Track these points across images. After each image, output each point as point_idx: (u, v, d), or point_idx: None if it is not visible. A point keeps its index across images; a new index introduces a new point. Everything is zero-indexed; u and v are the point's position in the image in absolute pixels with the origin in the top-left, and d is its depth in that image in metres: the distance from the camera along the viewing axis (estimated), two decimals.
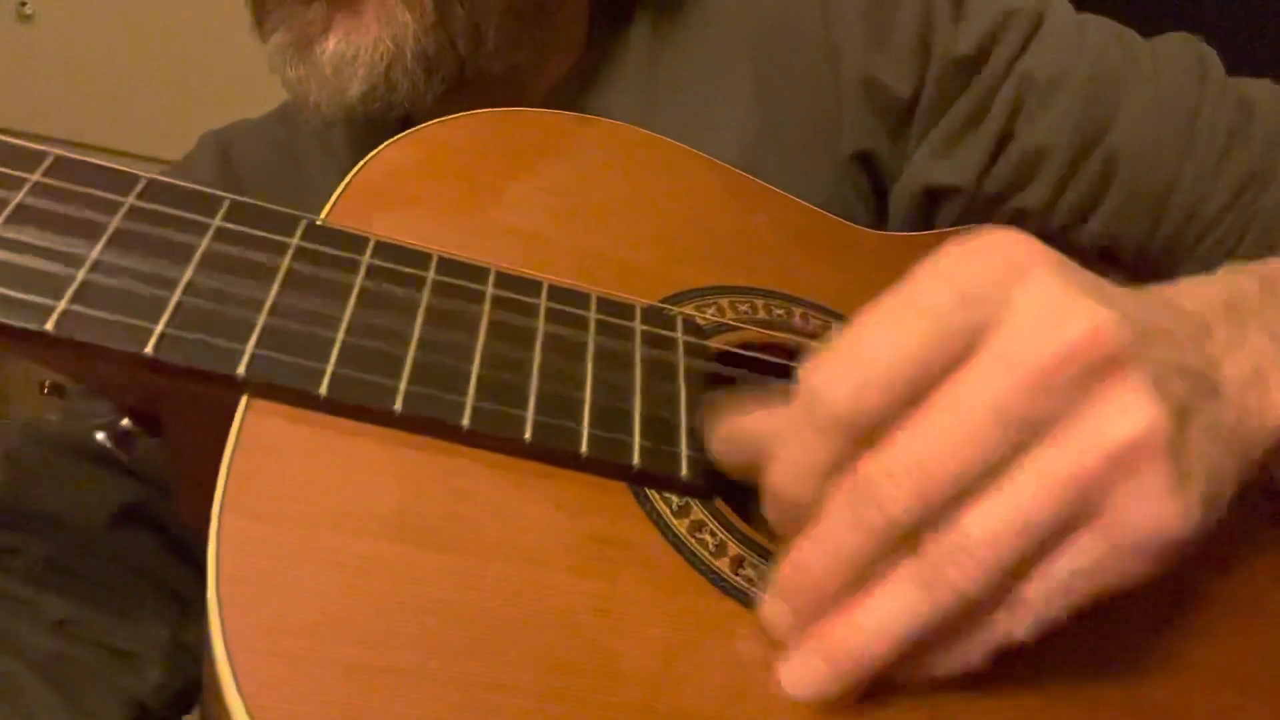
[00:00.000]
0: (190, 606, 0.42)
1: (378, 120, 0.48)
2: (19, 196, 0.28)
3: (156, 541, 0.42)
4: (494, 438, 0.29)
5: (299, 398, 0.28)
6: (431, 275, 0.32)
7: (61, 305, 0.26)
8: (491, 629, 0.25)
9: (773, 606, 0.26)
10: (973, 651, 0.25)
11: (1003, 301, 0.24)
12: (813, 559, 0.25)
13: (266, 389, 0.27)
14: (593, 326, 0.33)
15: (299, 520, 0.25)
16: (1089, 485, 0.23)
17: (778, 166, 0.45)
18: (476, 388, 0.29)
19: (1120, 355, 0.23)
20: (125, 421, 0.29)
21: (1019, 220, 0.46)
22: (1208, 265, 0.32)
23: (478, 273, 0.33)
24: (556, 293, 0.33)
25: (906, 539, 0.24)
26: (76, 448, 0.42)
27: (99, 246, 0.28)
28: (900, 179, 0.47)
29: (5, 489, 0.43)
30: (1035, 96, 0.44)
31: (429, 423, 0.28)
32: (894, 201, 0.47)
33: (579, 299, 0.34)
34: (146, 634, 0.40)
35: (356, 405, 0.28)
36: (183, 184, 0.31)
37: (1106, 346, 0.23)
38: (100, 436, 0.29)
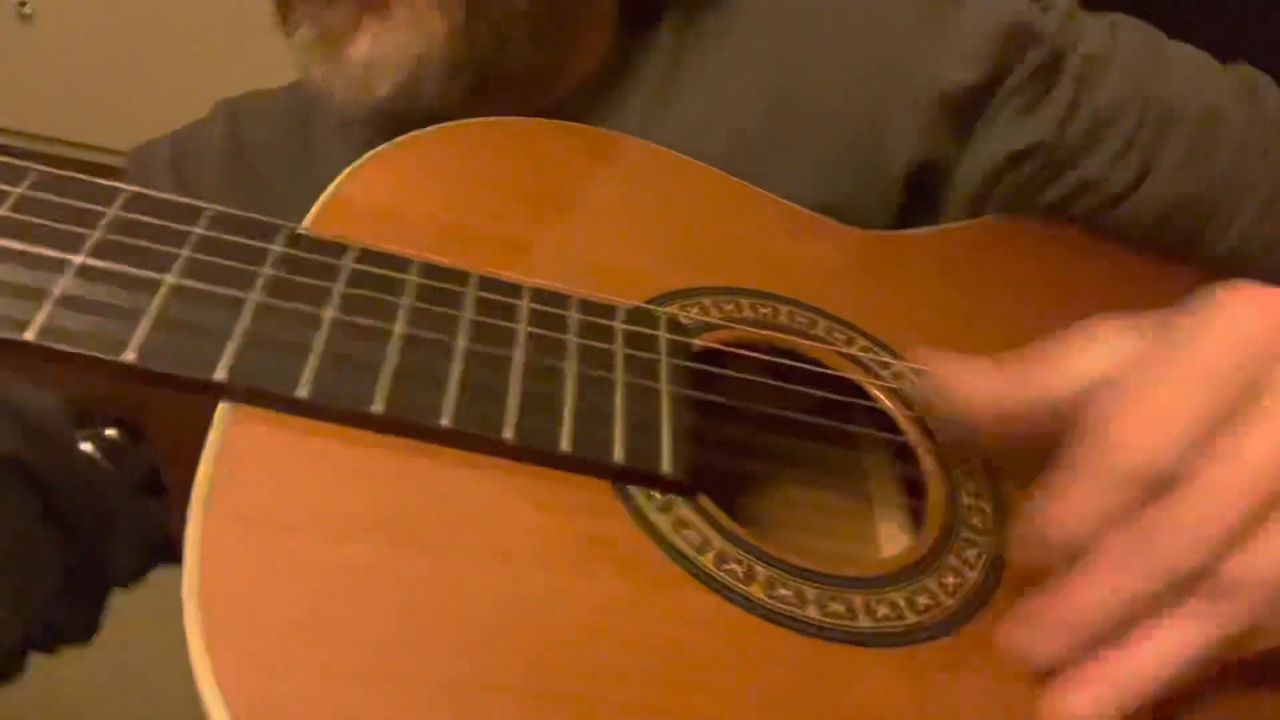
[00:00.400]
0: (45, 569, 0.41)
1: None
2: (2, 210, 0.29)
3: (28, 499, 0.41)
4: (475, 437, 0.29)
5: (279, 401, 0.28)
6: (413, 279, 0.32)
7: (41, 315, 0.27)
8: (477, 630, 0.25)
9: (1028, 637, 0.29)
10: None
11: (1274, 361, 0.26)
12: (1092, 599, 0.27)
13: (246, 393, 0.28)
14: (574, 326, 0.33)
15: (279, 525, 0.26)
16: None
17: (783, 179, 0.45)
18: (457, 388, 0.29)
19: None
20: (111, 431, 0.30)
21: (1082, 193, 0.47)
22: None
23: (459, 277, 0.33)
24: (539, 295, 0.34)
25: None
26: None
27: (80, 257, 0.28)
28: (964, 164, 0.47)
29: None
30: (1095, 70, 0.47)
31: (409, 424, 0.28)
32: (956, 190, 0.48)
33: (561, 300, 0.34)
34: None
35: (336, 408, 0.28)
36: (163, 195, 0.31)
37: None
38: (87, 447, 0.29)
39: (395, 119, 0.43)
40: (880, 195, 0.47)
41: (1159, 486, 0.26)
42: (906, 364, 0.39)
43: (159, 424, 0.30)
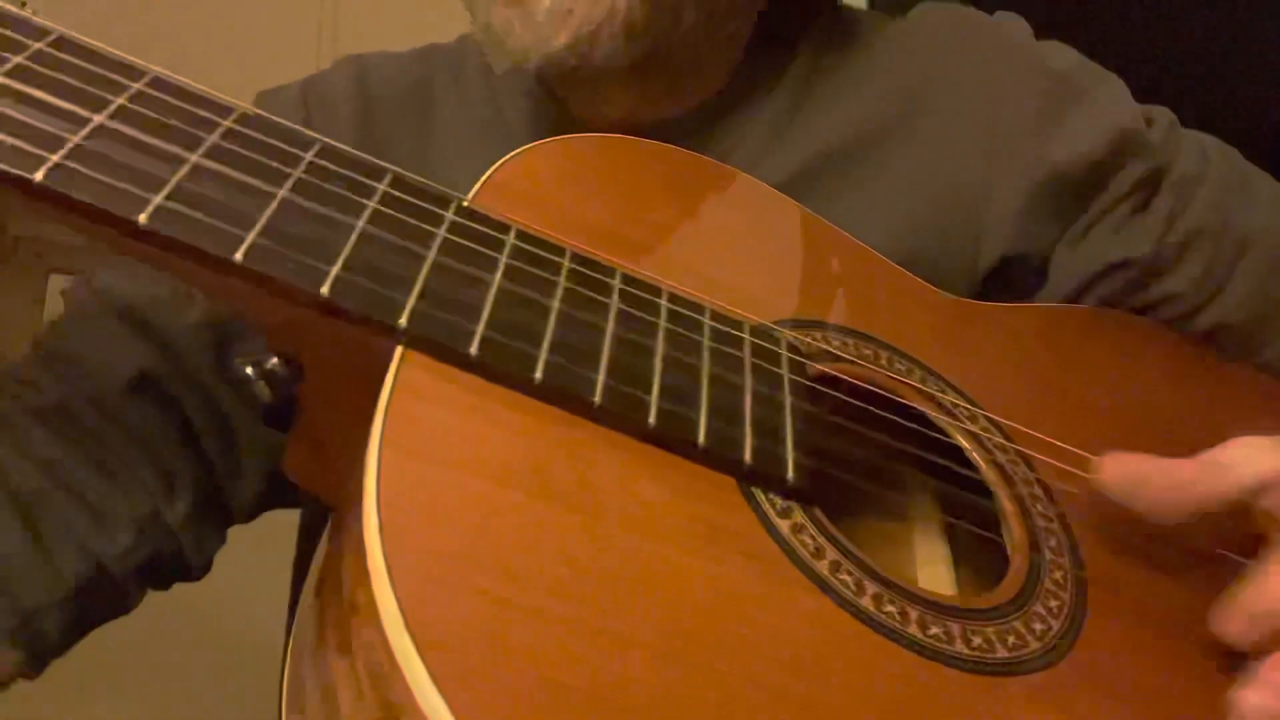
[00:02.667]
0: (176, 489, 0.42)
1: (523, 80, 0.49)
2: (214, 137, 0.30)
3: (164, 417, 0.43)
4: (621, 416, 0.30)
5: (450, 355, 0.29)
6: (566, 264, 0.34)
7: (250, 238, 0.28)
8: (616, 587, 0.27)
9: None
10: None
11: None
12: None
13: (422, 342, 0.29)
14: (707, 331, 0.35)
15: (448, 462, 0.27)
16: None
17: (875, 227, 0.47)
18: (608, 368, 0.31)
19: None
20: (275, 361, 0.31)
21: (1162, 305, 0.50)
22: None
23: (606, 270, 0.35)
24: (676, 298, 0.35)
25: None
26: (127, 311, 0.43)
27: (283, 190, 0.30)
28: (1064, 263, 0.50)
29: (54, 329, 0.43)
30: (1188, 189, 0.49)
31: (564, 394, 0.30)
32: (1052, 284, 0.50)
33: (695, 306, 0.36)
34: (127, 499, 0.40)
35: (501, 369, 0.30)
36: (352, 151, 0.33)
37: None
38: (249, 370, 0.31)
39: (556, 78, 0.45)
40: (967, 266, 0.49)
41: None
42: (988, 415, 0.41)
43: (322, 359, 0.31)
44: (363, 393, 0.29)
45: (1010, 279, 0.50)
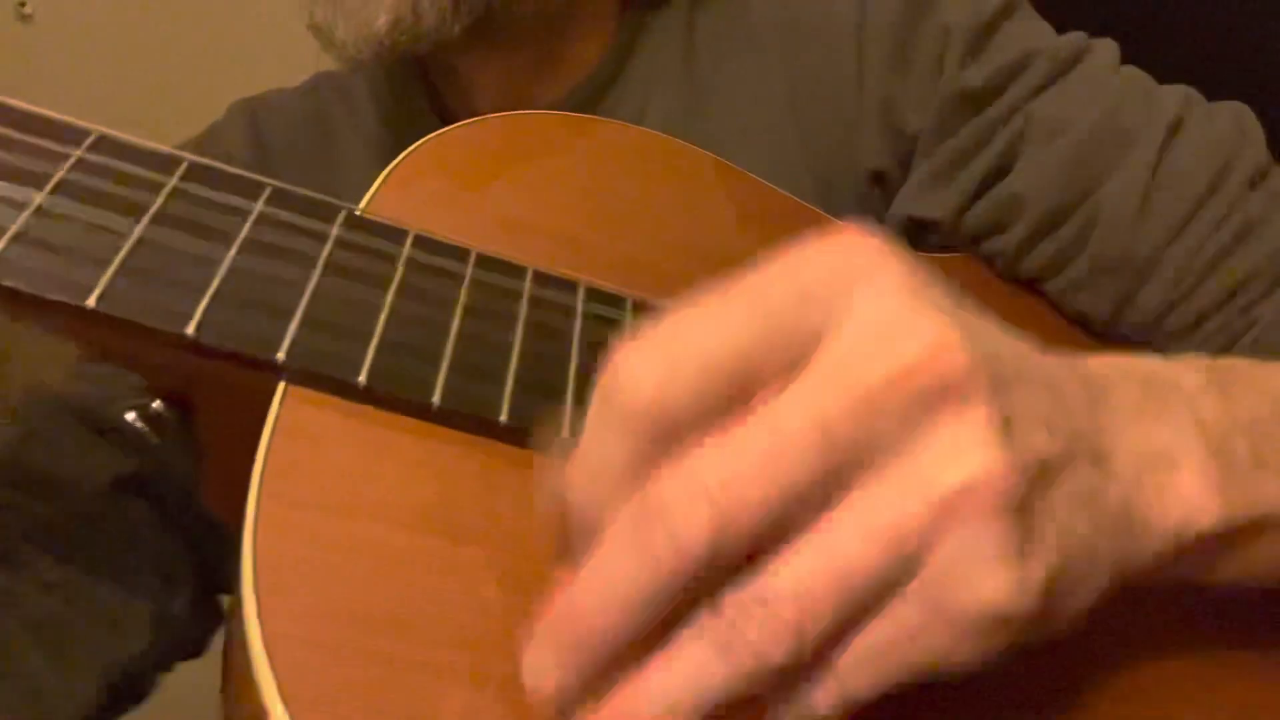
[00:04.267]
0: (175, 580, 0.42)
1: (408, 92, 0.48)
2: (62, 171, 0.28)
3: (150, 513, 0.42)
4: (531, 434, 0.28)
5: (337, 386, 0.27)
6: (469, 271, 0.32)
7: (104, 282, 0.26)
8: (525, 627, 0.25)
9: (537, 660, 0.20)
10: None
11: (842, 306, 0.20)
12: (588, 598, 0.19)
13: (305, 376, 0.27)
14: (628, 329, 0.33)
15: (337, 509, 0.25)
16: (913, 536, 0.19)
17: (807, 178, 0.45)
18: (514, 384, 0.29)
19: (962, 385, 0.19)
20: (157, 404, 0.29)
21: (990, 262, 0.45)
22: None
23: (515, 271, 0.33)
24: (593, 294, 0.33)
25: (704, 583, 0.19)
26: (81, 413, 0.42)
27: (142, 225, 0.28)
28: (889, 211, 0.46)
29: (9, 448, 0.42)
30: (1032, 144, 0.42)
31: (466, 417, 0.28)
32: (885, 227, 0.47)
33: (614, 301, 0.34)
34: (134, 603, 0.41)
35: (395, 397, 0.28)
36: (225, 167, 0.31)
37: (944, 371, 0.19)
38: (130, 416, 0.29)
39: (400, 95, 0.43)
40: (861, 196, 0.46)
41: (673, 434, 0.19)
42: None
43: (209, 398, 0.29)
44: (256, 430, 0.27)
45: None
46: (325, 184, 0.48)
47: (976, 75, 0.43)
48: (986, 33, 0.44)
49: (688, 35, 0.48)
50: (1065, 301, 0.44)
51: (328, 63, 0.54)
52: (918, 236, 0.46)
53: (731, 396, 0.19)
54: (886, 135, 0.45)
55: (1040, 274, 0.44)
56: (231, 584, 0.44)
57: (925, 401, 0.19)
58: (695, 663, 0.19)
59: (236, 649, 0.23)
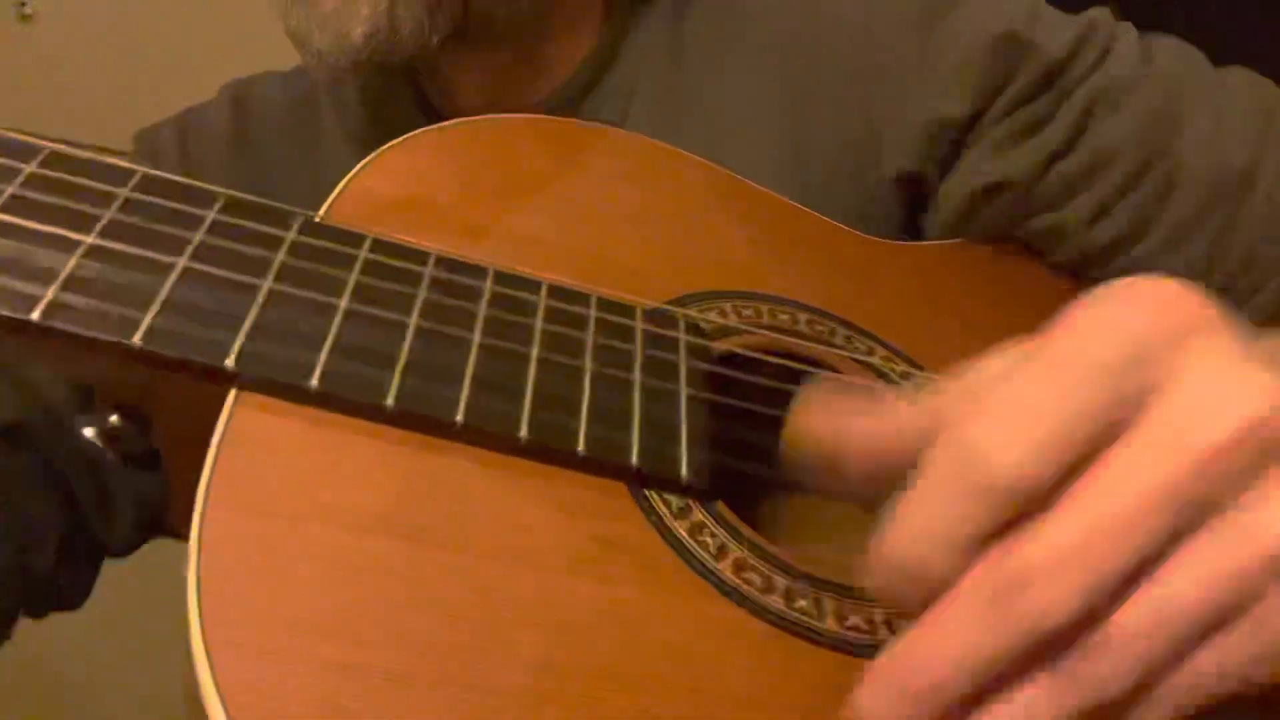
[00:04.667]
0: (41, 539, 0.41)
1: (393, 89, 0.47)
2: (12, 187, 0.28)
3: (31, 466, 0.41)
4: (488, 434, 0.28)
5: (289, 391, 0.27)
6: (429, 272, 0.31)
7: (49, 294, 0.26)
8: (482, 630, 0.24)
9: (871, 701, 0.21)
10: None
11: (1177, 363, 0.20)
12: (938, 658, 0.20)
13: (256, 382, 0.27)
14: (593, 325, 0.32)
15: (287, 515, 0.25)
16: (1247, 583, 0.20)
17: (802, 185, 0.44)
18: (471, 384, 0.29)
19: None
20: (114, 418, 0.29)
21: (1053, 239, 0.44)
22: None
23: (476, 271, 0.32)
24: (556, 292, 0.33)
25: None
26: None
27: (90, 237, 0.28)
28: (946, 187, 0.45)
29: None
30: (1106, 105, 0.42)
31: (422, 419, 0.28)
32: (936, 213, 0.46)
33: (579, 298, 0.33)
34: None
35: (348, 400, 0.27)
36: (176, 178, 0.30)
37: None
38: (89, 433, 0.29)
39: (384, 83, 0.43)
40: (881, 206, 0.46)
41: (1025, 505, 0.20)
42: (926, 374, 0.38)
43: (165, 410, 0.29)
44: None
45: (910, 202, 0.46)
46: (309, 169, 0.48)
47: (1057, 44, 0.43)
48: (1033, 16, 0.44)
49: (675, 38, 0.48)
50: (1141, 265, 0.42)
51: None
52: (971, 214, 0.45)
53: (1078, 464, 0.20)
54: (924, 136, 0.44)
55: (1113, 244, 0.43)
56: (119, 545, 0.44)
57: (1263, 458, 0.20)
58: (1044, 699, 0.20)
59: (185, 659, 0.23)
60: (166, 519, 0.34)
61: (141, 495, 0.43)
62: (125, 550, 0.45)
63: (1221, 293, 0.32)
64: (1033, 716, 0.20)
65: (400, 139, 0.38)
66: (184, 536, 0.35)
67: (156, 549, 0.45)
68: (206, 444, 0.26)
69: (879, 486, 0.23)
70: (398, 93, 0.48)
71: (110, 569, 0.46)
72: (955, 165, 0.45)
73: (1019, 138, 0.43)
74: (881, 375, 0.38)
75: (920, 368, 0.39)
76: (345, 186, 0.34)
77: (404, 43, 0.40)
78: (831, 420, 0.24)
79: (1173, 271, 0.40)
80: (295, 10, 0.40)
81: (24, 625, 0.42)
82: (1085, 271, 0.44)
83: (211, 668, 0.21)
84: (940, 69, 0.44)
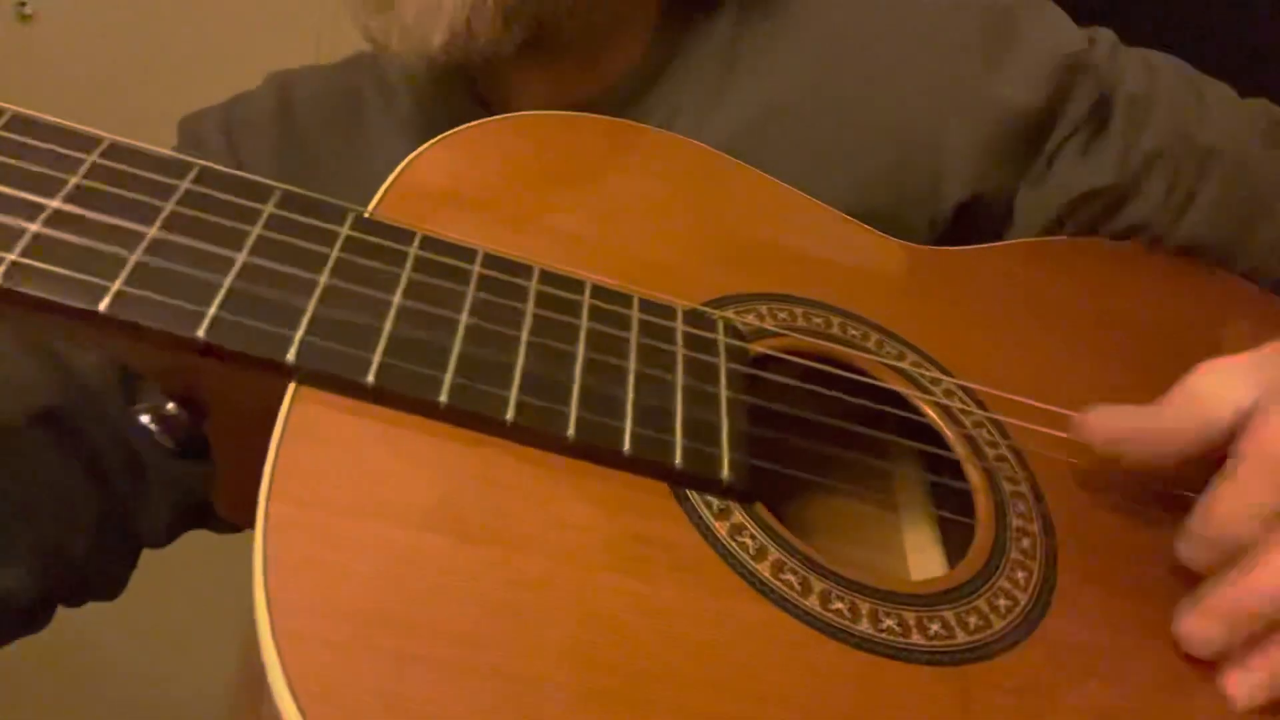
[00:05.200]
0: (82, 521, 0.41)
1: (446, 81, 0.48)
2: (76, 177, 0.28)
3: (69, 452, 0.41)
4: (537, 433, 0.29)
5: (346, 386, 0.28)
6: (477, 270, 0.32)
7: (115, 286, 0.27)
8: (531, 624, 0.25)
9: (1204, 624, 0.32)
10: None
11: None
12: (1266, 592, 0.30)
13: (314, 376, 0.27)
14: (635, 326, 0.33)
15: (344, 509, 0.25)
16: None
17: (844, 189, 0.45)
18: (521, 382, 0.29)
19: None
20: (170, 406, 0.29)
21: (1130, 233, 0.49)
22: None
23: (522, 270, 0.33)
24: (599, 292, 0.33)
25: None
26: (36, 341, 0.41)
27: (153, 230, 0.28)
28: (1030, 199, 0.48)
29: None
30: (1141, 102, 0.48)
31: (473, 416, 0.28)
32: (1020, 221, 0.49)
33: (622, 299, 0.34)
34: (27, 532, 0.39)
35: (402, 395, 0.28)
36: (233, 172, 0.31)
37: None
38: (145, 419, 0.29)
39: (439, 82, 0.44)
40: (927, 215, 0.47)
41: None
42: (955, 380, 0.39)
43: (221, 400, 0.30)
44: (267, 433, 0.27)
45: (974, 223, 0.48)
46: (352, 161, 0.49)
47: (1099, 51, 0.48)
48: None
49: (730, 46, 0.48)
50: (1181, 242, 0.48)
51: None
52: (1065, 217, 0.48)
53: None
54: (995, 146, 0.46)
55: (1166, 229, 0.48)
56: (159, 533, 0.44)
57: None
58: None
59: (248, 648, 0.23)
60: (207, 511, 0.34)
61: (181, 485, 0.43)
62: (162, 540, 0.46)
63: (1232, 249, 0.47)
64: None
65: (447, 133, 0.38)
66: (228, 527, 0.36)
67: (188, 540, 0.46)
68: (256, 434, 0.27)
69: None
70: (451, 85, 0.48)
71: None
72: (1032, 176, 0.48)
73: (1089, 147, 0.47)
74: (912, 380, 0.38)
75: (949, 374, 0.39)
76: (396, 179, 0.35)
77: (479, 50, 0.41)
78: (1139, 419, 0.34)
79: (1203, 237, 0.49)
80: (375, 17, 0.41)
81: (60, 613, 0.42)
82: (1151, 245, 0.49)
83: (280, 657, 0.22)
84: (1014, 69, 0.46)
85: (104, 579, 0.44)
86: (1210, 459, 0.33)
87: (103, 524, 0.42)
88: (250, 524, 0.34)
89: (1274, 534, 0.30)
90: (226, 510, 0.34)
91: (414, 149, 0.36)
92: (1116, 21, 0.50)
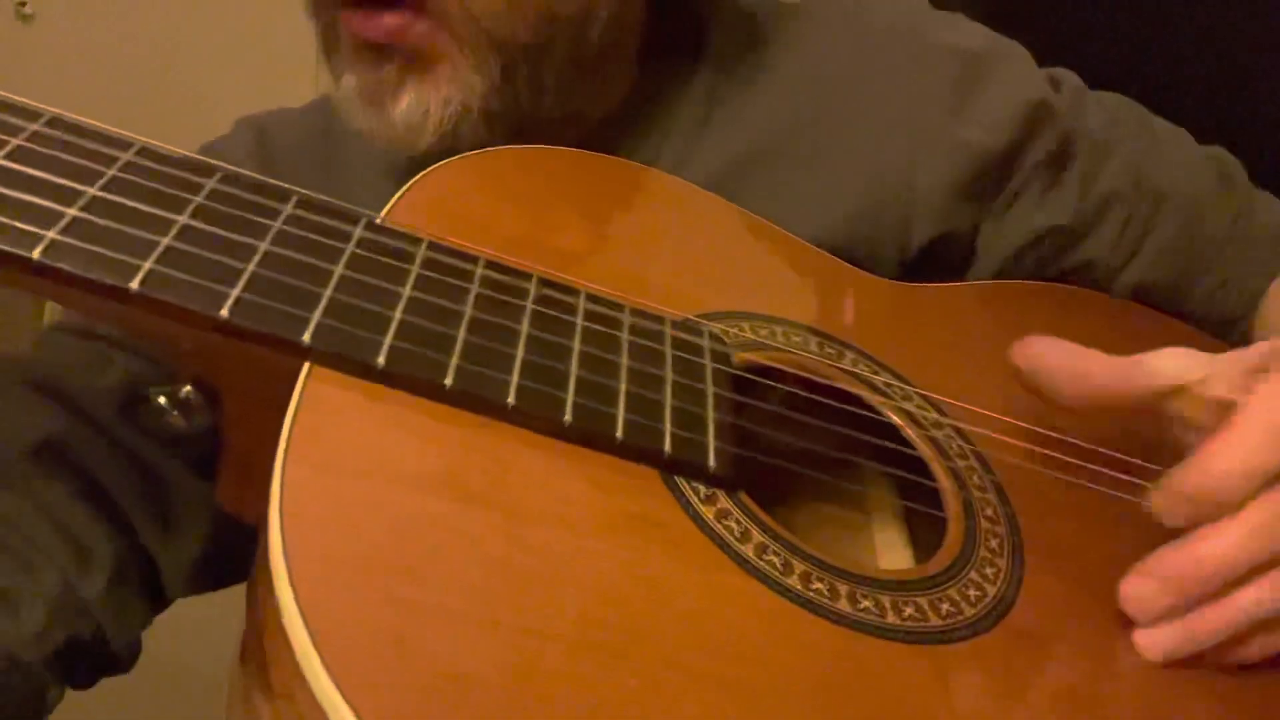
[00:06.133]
0: (91, 559, 0.39)
1: None
2: (114, 170, 0.31)
3: (73, 485, 0.40)
4: (536, 417, 0.31)
5: (358, 367, 0.29)
6: (479, 272, 0.34)
7: (147, 265, 0.28)
8: (532, 582, 0.27)
9: (1144, 583, 0.32)
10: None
11: None
12: (1215, 557, 0.31)
13: (328, 357, 0.29)
14: (627, 327, 0.35)
15: (356, 473, 0.27)
16: None
17: (819, 228, 0.48)
18: (521, 369, 0.31)
19: None
20: (188, 389, 0.31)
21: (1083, 269, 0.52)
22: None
23: (521, 275, 0.35)
24: (594, 298, 0.36)
25: None
26: (36, 377, 0.41)
27: (183, 217, 0.30)
28: (991, 237, 0.51)
29: None
30: (1100, 145, 0.51)
31: (476, 399, 0.30)
32: (982, 258, 0.52)
33: (614, 305, 0.36)
34: (35, 577, 0.37)
35: (411, 377, 0.30)
36: (256, 175, 0.33)
37: None
38: (161, 400, 0.31)
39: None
40: (898, 251, 0.50)
41: None
42: (922, 391, 0.41)
43: (237, 382, 0.31)
44: (279, 414, 0.29)
45: (940, 258, 0.51)
46: (328, 193, 0.50)
47: (1062, 99, 0.51)
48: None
49: (708, 94, 0.50)
50: (1130, 285, 0.52)
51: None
52: (1022, 255, 0.51)
53: None
54: (963, 187, 0.49)
55: (1117, 269, 0.52)
56: (175, 585, 0.42)
57: None
58: (1268, 591, 0.31)
59: (261, 603, 0.25)
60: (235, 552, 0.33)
61: (206, 506, 0.41)
62: (190, 581, 0.43)
63: (1179, 291, 0.51)
64: (1258, 604, 0.31)
65: (458, 156, 0.41)
66: (232, 513, 0.36)
67: None
68: (268, 415, 0.29)
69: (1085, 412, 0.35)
70: None
71: None
72: (993, 216, 0.51)
73: (1049, 188, 0.50)
74: (880, 392, 0.41)
75: (916, 387, 0.42)
76: (405, 193, 0.37)
77: (464, 146, 0.42)
78: (1070, 355, 0.35)
79: (1152, 280, 0.53)
80: (365, 114, 0.43)
81: None
82: (1103, 288, 0.53)
83: (295, 594, 0.23)
84: (981, 114, 0.49)
85: (119, 630, 0.40)
86: (1142, 434, 0.35)
87: (117, 561, 0.40)
88: (251, 515, 0.36)
89: (1258, 501, 0.31)
90: (228, 498, 0.35)
91: (390, 185, 0.37)
92: (1082, 56, 0.53)
